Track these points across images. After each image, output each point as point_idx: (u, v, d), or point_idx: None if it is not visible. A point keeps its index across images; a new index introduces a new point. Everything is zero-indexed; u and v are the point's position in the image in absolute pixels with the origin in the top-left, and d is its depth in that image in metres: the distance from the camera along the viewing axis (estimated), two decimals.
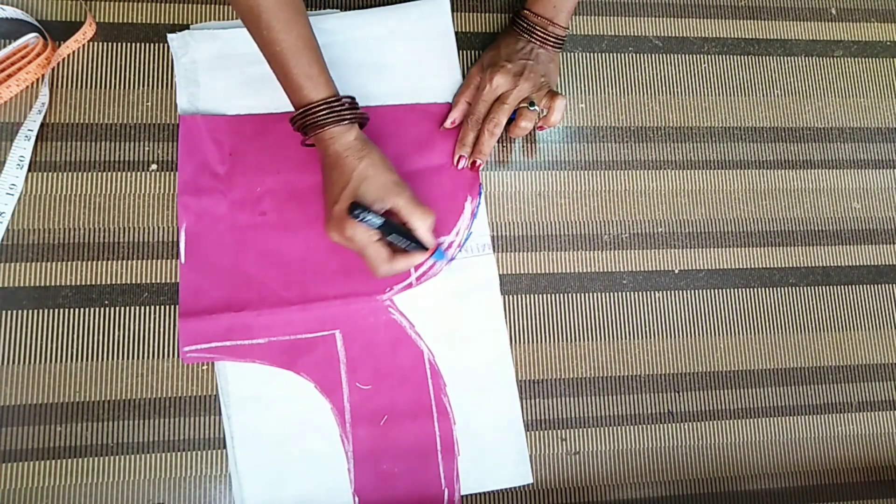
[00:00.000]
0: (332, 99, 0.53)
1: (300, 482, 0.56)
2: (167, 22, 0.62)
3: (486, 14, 0.66)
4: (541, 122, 0.60)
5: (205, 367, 0.57)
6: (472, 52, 0.65)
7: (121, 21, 0.62)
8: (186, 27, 0.62)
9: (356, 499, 0.56)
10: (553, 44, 0.60)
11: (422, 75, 0.63)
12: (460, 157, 0.61)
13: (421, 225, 0.53)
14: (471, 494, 0.58)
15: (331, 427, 0.57)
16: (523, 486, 0.59)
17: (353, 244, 0.52)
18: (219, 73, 0.61)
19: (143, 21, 0.62)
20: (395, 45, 0.63)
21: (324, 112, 0.52)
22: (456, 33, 0.64)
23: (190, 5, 0.62)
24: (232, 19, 0.63)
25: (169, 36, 0.61)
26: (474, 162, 0.61)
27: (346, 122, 0.53)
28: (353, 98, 0.55)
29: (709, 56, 0.68)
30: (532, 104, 0.59)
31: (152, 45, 0.62)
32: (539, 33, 0.60)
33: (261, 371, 0.57)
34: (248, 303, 0.57)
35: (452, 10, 0.65)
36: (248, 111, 0.61)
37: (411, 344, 0.58)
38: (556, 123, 0.60)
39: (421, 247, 0.54)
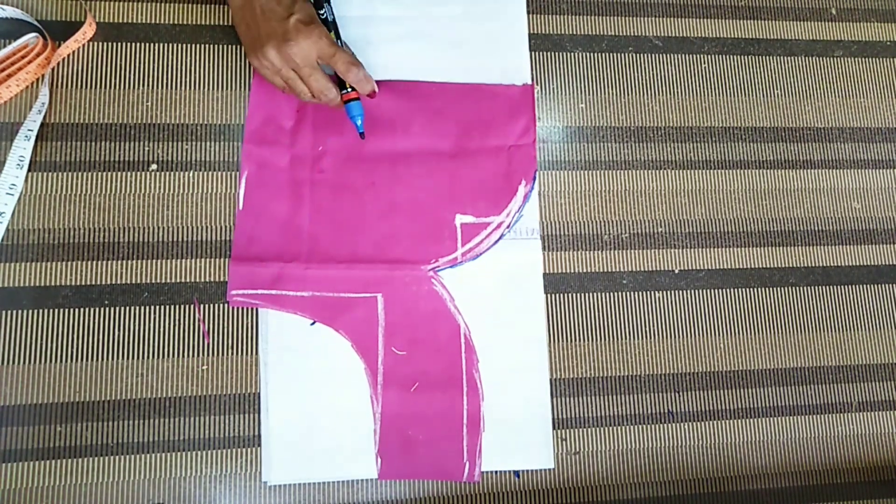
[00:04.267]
0: None
1: (327, 436, 0.57)
2: (167, 22, 0.62)
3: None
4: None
5: (205, 367, 0.57)
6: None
7: (121, 21, 0.62)
8: (187, 27, 0.62)
9: (379, 460, 0.57)
10: None
11: (491, 56, 0.65)
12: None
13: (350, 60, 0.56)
14: (490, 472, 0.58)
15: (362, 387, 0.58)
16: (523, 484, 0.59)
17: (305, 58, 0.54)
18: None
19: (143, 21, 0.62)
20: (469, 25, 0.65)
21: None
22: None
23: (190, 5, 0.62)
24: None
25: None
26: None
27: None
28: None
29: (709, 56, 0.68)
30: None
31: (152, 45, 0.62)
32: None
33: (302, 323, 0.58)
34: (297, 255, 0.59)
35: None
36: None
37: (449, 316, 0.60)
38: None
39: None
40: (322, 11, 0.59)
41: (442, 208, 0.61)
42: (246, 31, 0.56)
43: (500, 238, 0.61)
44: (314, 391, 0.58)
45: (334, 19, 0.60)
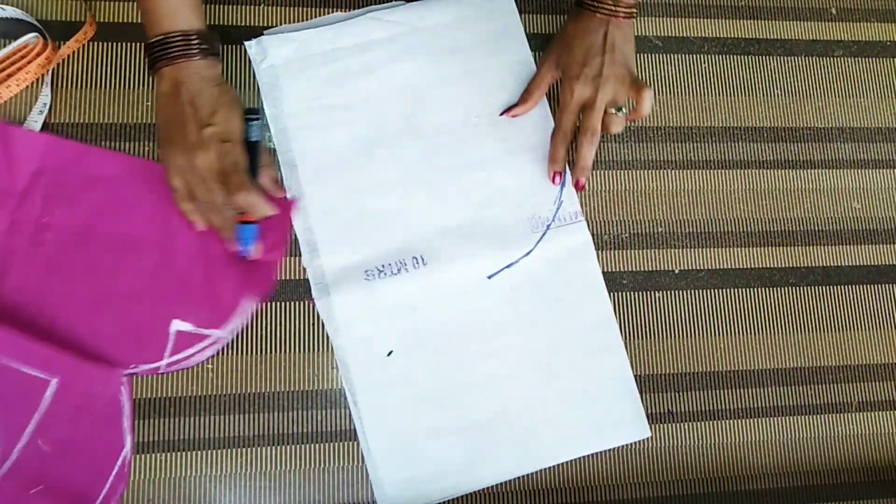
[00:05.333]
0: (193, 32, 0.52)
1: (430, 458, 0.58)
2: None
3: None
4: (631, 116, 0.59)
5: (210, 366, 0.57)
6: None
7: (121, 21, 0.62)
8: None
9: None
10: (625, 15, 0.57)
11: (493, 56, 0.64)
12: (555, 173, 0.61)
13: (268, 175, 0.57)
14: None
15: (451, 404, 0.58)
16: (523, 484, 0.59)
17: (224, 159, 0.52)
18: (299, 75, 0.61)
19: None
20: (463, 30, 0.64)
21: (182, 43, 0.52)
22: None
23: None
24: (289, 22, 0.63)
25: (246, 43, 0.61)
26: (579, 181, 0.60)
27: (202, 55, 0.52)
28: (214, 35, 0.55)
29: (709, 56, 0.68)
30: (619, 109, 0.57)
31: None
32: (609, 8, 0.56)
33: (379, 355, 0.58)
34: None
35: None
36: (329, 111, 0.61)
37: (118, 433, 0.54)
38: (646, 115, 0.58)
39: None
40: (251, 128, 0.55)
41: (160, 309, 0.56)
42: (163, 124, 0.54)
43: (546, 230, 0.61)
44: (408, 418, 0.58)
45: (257, 140, 0.56)
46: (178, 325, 0.56)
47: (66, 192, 0.57)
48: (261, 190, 0.54)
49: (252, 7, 0.63)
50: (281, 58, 0.62)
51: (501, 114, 0.62)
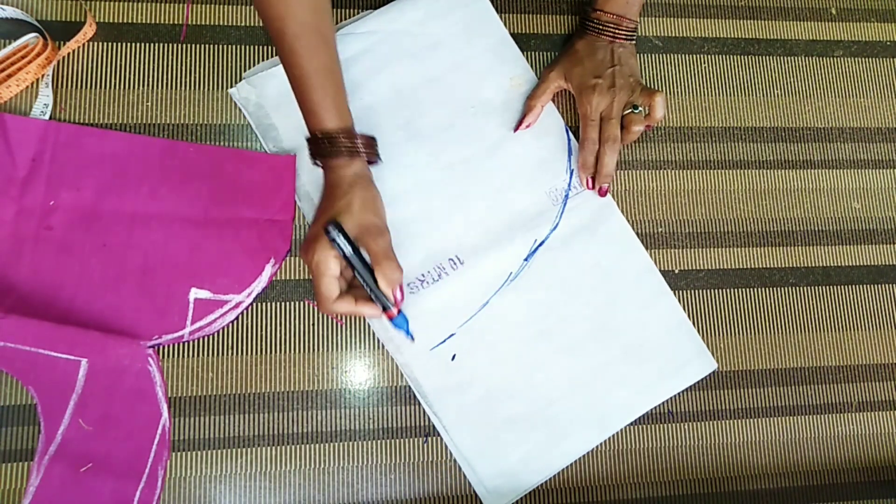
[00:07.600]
0: (341, 133, 0.53)
1: (517, 446, 0.59)
2: (167, 22, 0.62)
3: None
4: (646, 122, 0.60)
5: (210, 367, 0.57)
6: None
7: (121, 21, 0.62)
8: (186, 27, 0.62)
9: None
10: (626, 37, 0.61)
11: (474, 40, 0.64)
12: (588, 178, 0.61)
13: (385, 277, 0.51)
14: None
15: (524, 395, 0.59)
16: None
17: (312, 269, 0.51)
18: (288, 108, 0.60)
19: (143, 21, 0.62)
20: (437, 24, 0.64)
21: (328, 143, 0.52)
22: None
23: (190, 5, 0.62)
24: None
25: (230, 91, 0.61)
26: (603, 188, 0.62)
27: (346, 156, 0.53)
28: (371, 137, 0.55)
29: (709, 56, 0.68)
30: (636, 107, 0.60)
31: (152, 45, 0.62)
32: (612, 31, 0.60)
33: (444, 360, 0.59)
34: None
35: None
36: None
37: (154, 403, 0.56)
38: (661, 119, 0.60)
39: (381, 302, 0.52)
40: (332, 234, 0.50)
41: (176, 280, 0.57)
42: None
43: (566, 200, 0.62)
44: (486, 414, 0.59)
45: (346, 254, 0.50)
46: (196, 293, 0.58)
47: (68, 175, 0.58)
48: (367, 293, 0.52)
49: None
50: (266, 97, 0.61)
51: (515, 129, 0.63)
